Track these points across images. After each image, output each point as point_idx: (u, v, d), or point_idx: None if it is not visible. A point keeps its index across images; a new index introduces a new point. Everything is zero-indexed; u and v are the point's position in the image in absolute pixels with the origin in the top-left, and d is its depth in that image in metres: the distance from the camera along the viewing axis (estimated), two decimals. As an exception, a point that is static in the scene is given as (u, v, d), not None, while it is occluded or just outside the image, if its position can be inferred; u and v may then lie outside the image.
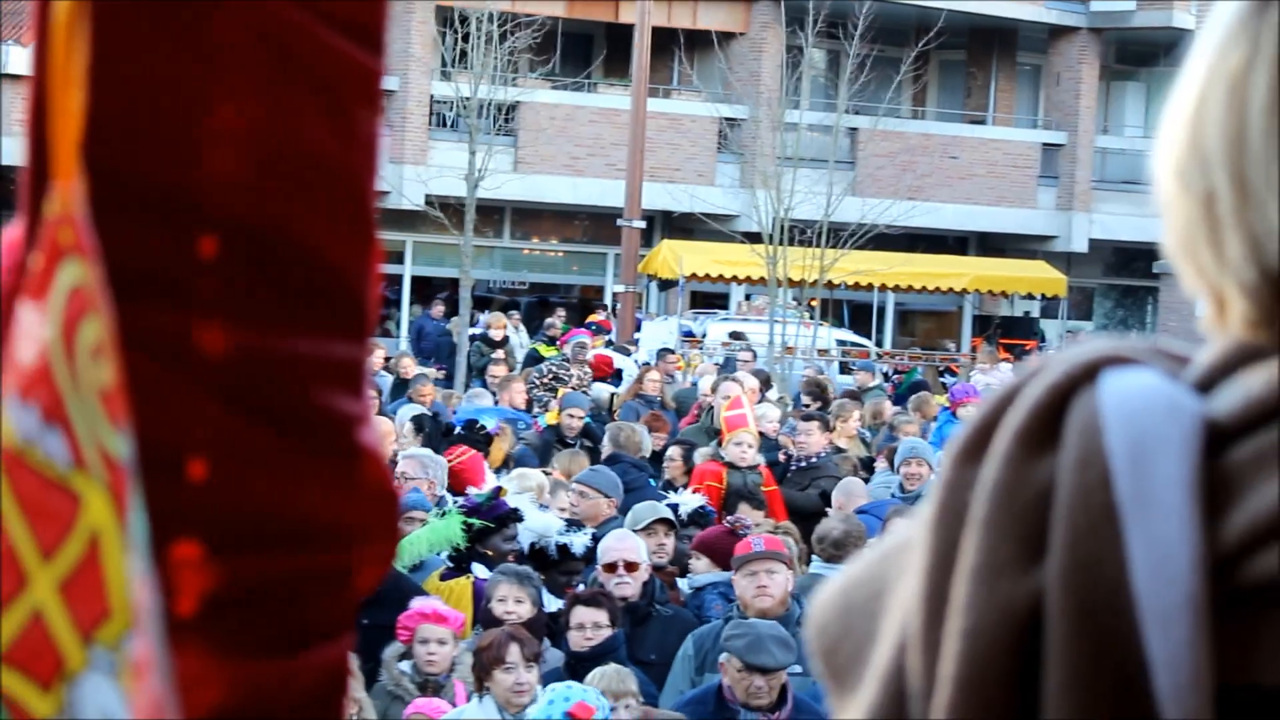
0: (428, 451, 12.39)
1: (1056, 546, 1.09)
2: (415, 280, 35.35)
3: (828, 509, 12.12)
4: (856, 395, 19.73)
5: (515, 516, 10.05)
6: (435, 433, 14.32)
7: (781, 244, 28.16)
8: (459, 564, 9.87)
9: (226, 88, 1.11)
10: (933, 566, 1.14)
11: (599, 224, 35.22)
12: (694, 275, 32.41)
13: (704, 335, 28.95)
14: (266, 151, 1.13)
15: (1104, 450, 1.10)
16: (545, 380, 19.55)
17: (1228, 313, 1.19)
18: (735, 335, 27.88)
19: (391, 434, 13.29)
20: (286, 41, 1.13)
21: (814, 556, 10.35)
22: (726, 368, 21.98)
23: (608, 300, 34.19)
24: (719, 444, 13.28)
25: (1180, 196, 1.19)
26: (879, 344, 34.83)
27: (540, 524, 10.16)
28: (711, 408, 15.35)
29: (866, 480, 13.94)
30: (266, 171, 1.13)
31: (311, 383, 1.15)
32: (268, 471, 1.13)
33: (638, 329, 29.44)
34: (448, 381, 24.44)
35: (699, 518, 11.15)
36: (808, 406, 17.49)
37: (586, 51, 37.25)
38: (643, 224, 30.77)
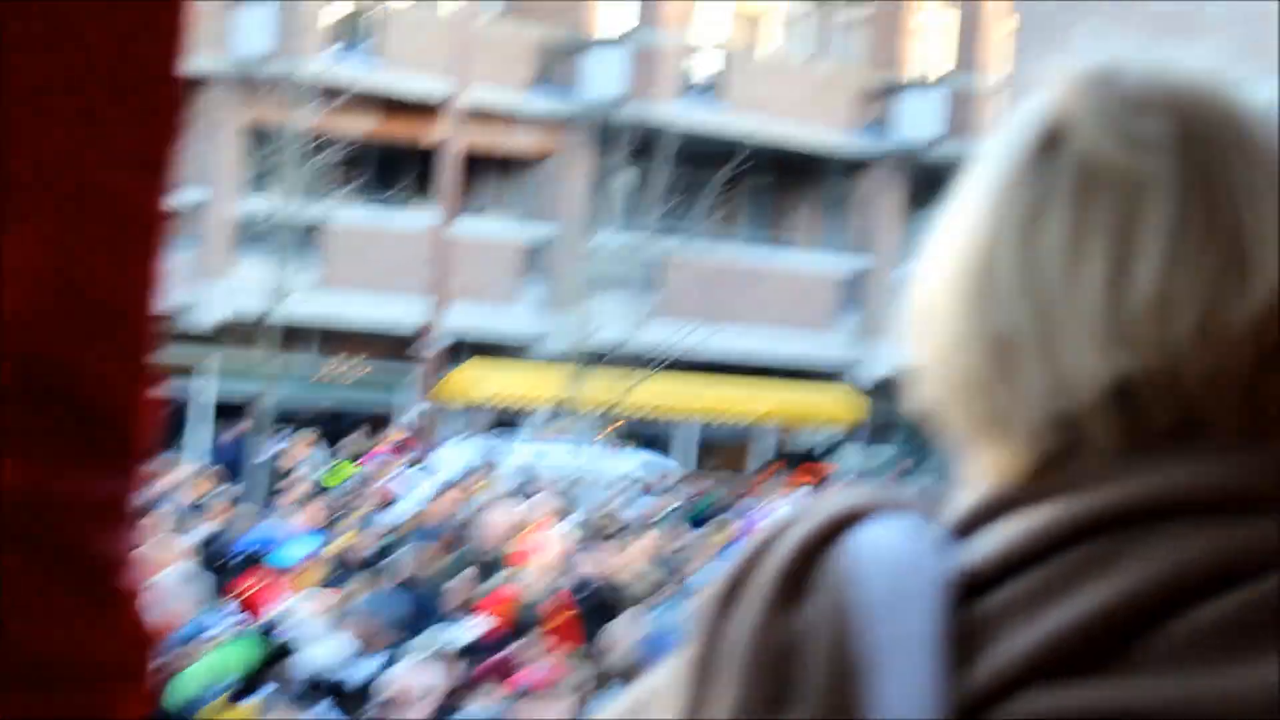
0: (190, 567, 12.23)
1: (804, 698, 1.12)
2: (217, 398, 34.96)
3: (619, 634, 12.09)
4: (653, 521, 19.78)
5: (296, 644, 9.95)
6: (218, 553, 14.13)
7: (585, 367, 28.23)
8: (247, 688, 9.74)
9: (16, 224, 1.11)
10: (684, 715, 1.16)
11: (402, 343, 35.09)
12: (496, 397, 32.35)
13: (504, 458, 28.88)
14: (54, 288, 1.13)
15: (853, 602, 1.14)
16: (342, 502, 19.40)
17: (999, 457, 1.22)
18: (535, 458, 27.83)
19: (185, 554, 13.11)
20: (79, 179, 1.14)
21: (609, 682, 10.32)
22: (525, 491, 21.92)
23: (407, 421, 34.00)
24: (510, 569, 13.23)
25: (966, 337, 1.22)
26: (679, 469, 34.92)
27: (327, 650, 10.06)
28: (487, 532, 15.21)
29: (655, 607, 13.93)
30: (52, 309, 1.13)
31: (80, 521, 1.15)
32: (26, 609, 1.13)
33: (437, 450, 29.30)
34: (246, 502, 24.14)
35: (483, 646, 11.09)
36: (600, 530, 17.49)
37: (395, 170, 37.24)
38: (446, 344, 30.72)
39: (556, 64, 37.23)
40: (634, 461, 30.95)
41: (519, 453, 29.12)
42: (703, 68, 38.07)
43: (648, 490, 27.64)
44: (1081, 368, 1.18)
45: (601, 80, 36.83)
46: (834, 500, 1.21)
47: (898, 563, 1.16)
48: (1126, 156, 1.18)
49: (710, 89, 37.80)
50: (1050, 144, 1.21)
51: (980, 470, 1.24)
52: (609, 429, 30.32)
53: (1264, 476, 1.18)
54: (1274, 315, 1.17)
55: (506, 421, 35.33)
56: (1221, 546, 1.15)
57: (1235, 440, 1.18)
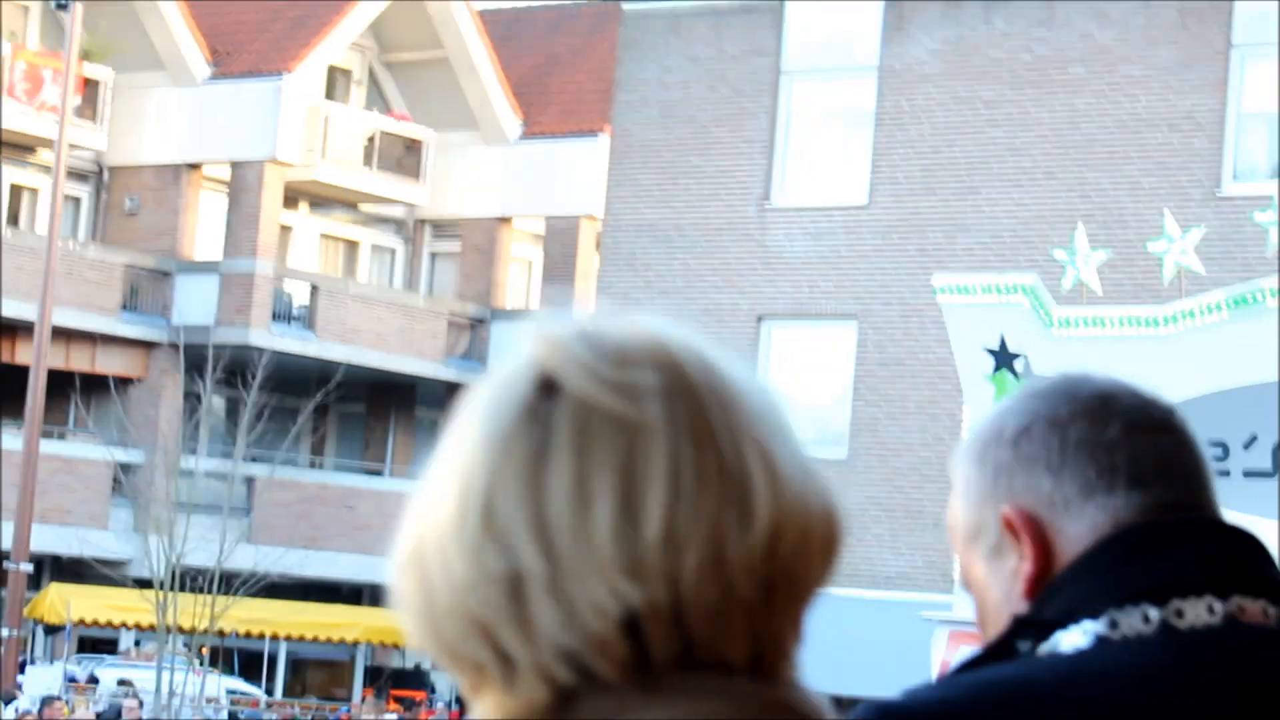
0: None
1: None
2: None
3: None
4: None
5: None
6: None
7: (173, 590, 27.99)
8: None
9: None
10: None
11: (-15, 567, 34.31)
12: (82, 620, 31.80)
13: (92, 681, 28.39)
14: None
15: None
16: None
17: (506, 701, 1.25)
18: (123, 683, 27.42)
19: None
20: None
21: None
22: (110, 715, 21.67)
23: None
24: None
25: (474, 580, 1.23)
26: (270, 693, 34.61)
27: None
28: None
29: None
30: None
31: None
32: None
33: (21, 674, 28.66)
34: None
35: None
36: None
37: (-21, 391, 36.61)
38: (30, 567, 30.15)
39: (148, 288, 37.16)
40: (224, 685, 30.62)
41: (106, 676, 28.64)
42: (295, 295, 38.32)
43: (237, 715, 27.39)
44: (592, 604, 1.21)
45: (193, 305, 36.83)
46: None
47: None
48: (621, 404, 1.23)
49: (302, 316, 38.06)
50: (545, 393, 1.25)
51: (489, 714, 1.26)
52: (199, 652, 29.99)
53: (755, 709, 1.23)
54: (774, 548, 1.23)
55: (94, 645, 34.67)
56: None
57: (738, 672, 1.24)
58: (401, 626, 1.30)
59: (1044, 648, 1.71)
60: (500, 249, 40.67)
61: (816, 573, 1.27)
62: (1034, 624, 1.71)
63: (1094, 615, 1.69)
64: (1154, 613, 1.68)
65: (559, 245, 39.77)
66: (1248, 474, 14.84)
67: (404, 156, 39.99)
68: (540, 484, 1.23)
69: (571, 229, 39.41)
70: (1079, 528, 1.75)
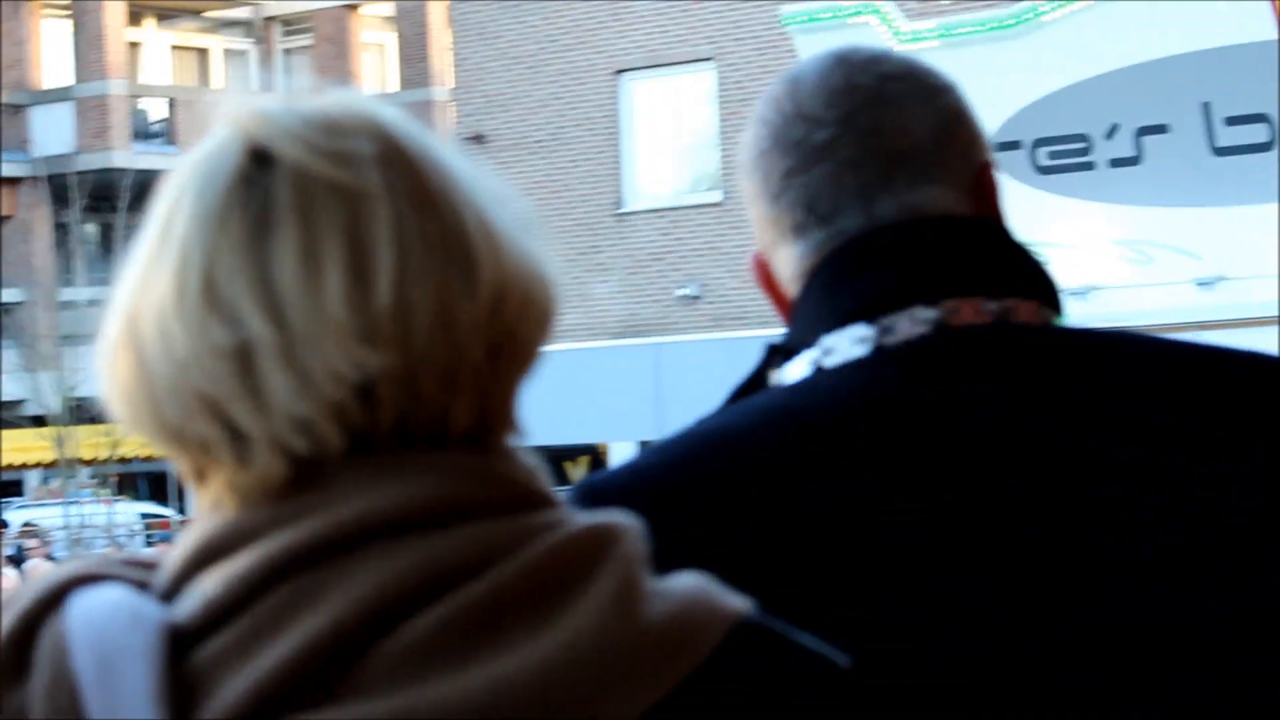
0: None
1: None
2: None
3: None
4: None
5: None
6: None
7: (69, 424, 27.81)
8: None
9: None
10: None
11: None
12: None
13: (2, 525, 28.26)
14: None
15: (72, 671, 1.15)
16: None
17: (237, 481, 1.22)
18: (33, 520, 27.35)
19: None
20: None
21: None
22: (24, 555, 21.58)
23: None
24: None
25: (198, 355, 1.20)
26: (182, 512, 34.60)
27: None
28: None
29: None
30: None
31: None
32: None
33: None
34: None
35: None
36: None
37: None
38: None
39: (4, 124, 36.52)
40: (134, 511, 30.56)
41: (14, 516, 28.55)
42: (153, 111, 37.77)
43: (151, 538, 27.40)
44: (327, 370, 1.19)
45: (51, 135, 36.26)
46: (50, 573, 1.22)
47: (116, 622, 1.17)
48: (339, 171, 1.22)
49: (163, 131, 37.54)
50: (259, 164, 1.23)
51: (216, 500, 1.23)
52: (105, 482, 29.88)
53: (471, 484, 1.23)
54: (499, 311, 1.24)
55: (1, 489, 34.52)
56: (424, 560, 1.19)
57: (459, 441, 1.24)
58: (113, 411, 1.24)
59: (776, 378, 1.66)
60: (352, 37, 40.11)
61: (537, 336, 1.28)
62: (779, 352, 1.67)
63: (810, 344, 1.63)
64: (865, 331, 1.60)
65: (410, 26, 39.21)
66: (1114, 163, 14.86)
67: (241, -44, 39.29)
68: (264, 253, 1.20)
69: (420, 9, 38.86)
70: (792, 263, 1.69)
